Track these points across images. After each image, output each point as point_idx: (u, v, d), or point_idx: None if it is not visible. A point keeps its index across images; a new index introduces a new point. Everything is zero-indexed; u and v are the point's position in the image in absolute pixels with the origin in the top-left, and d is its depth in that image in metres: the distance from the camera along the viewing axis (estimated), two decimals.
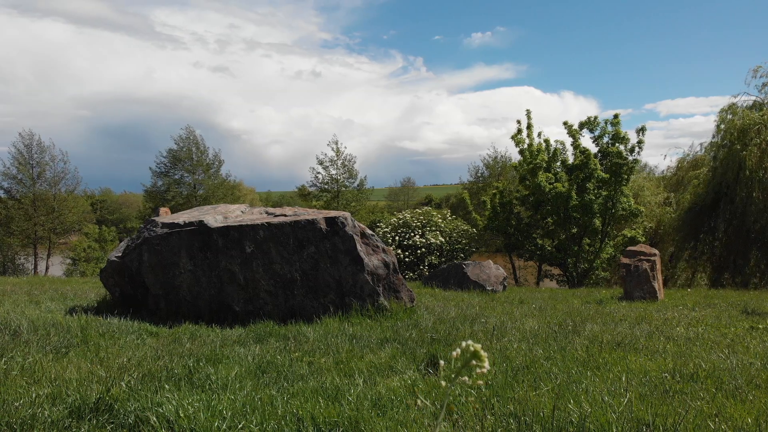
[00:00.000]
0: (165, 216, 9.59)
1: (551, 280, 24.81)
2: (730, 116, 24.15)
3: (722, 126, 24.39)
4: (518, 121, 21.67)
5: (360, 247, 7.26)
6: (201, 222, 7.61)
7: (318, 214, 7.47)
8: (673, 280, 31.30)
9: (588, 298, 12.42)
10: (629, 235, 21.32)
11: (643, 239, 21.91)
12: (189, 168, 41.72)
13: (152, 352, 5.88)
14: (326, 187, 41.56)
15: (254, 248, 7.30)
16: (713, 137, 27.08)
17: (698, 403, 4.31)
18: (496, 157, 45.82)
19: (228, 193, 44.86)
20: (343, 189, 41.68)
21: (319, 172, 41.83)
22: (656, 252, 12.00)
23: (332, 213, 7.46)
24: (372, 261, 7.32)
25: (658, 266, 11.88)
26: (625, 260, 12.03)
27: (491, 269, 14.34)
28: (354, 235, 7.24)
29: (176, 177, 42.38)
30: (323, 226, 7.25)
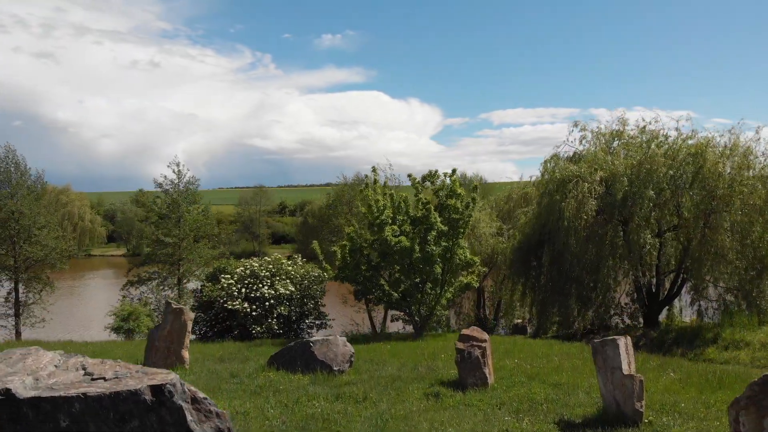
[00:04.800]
0: None
1: (398, 321, 25.72)
2: (552, 166, 26.73)
3: (546, 176, 26.92)
4: (366, 176, 22.25)
5: (190, 417, 6.91)
6: (8, 391, 6.74)
7: (142, 378, 6.98)
8: (510, 311, 34.01)
9: (431, 380, 12.95)
10: (465, 281, 22.73)
11: (477, 284, 23.58)
12: (7, 193, 37.07)
13: None
14: (166, 213, 38.95)
15: (70, 422, 6.64)
16: (540, 177, 29.77)
17: None
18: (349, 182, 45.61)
19: (51, 209, 40.74)
20: (186, 215, 39.45)
21: (158, 197, 39.36)
22: (486, 338, 12.86)
23: (158, 376, 7.01)
24: (204, 430, 7.01)
25: (489, 351, 12.74)
26: (459, 345, 12.73)
27: (339, 347, 14.44)
28: (183, 404, 6.87)
29: None
30: (148, 396, 6.79)
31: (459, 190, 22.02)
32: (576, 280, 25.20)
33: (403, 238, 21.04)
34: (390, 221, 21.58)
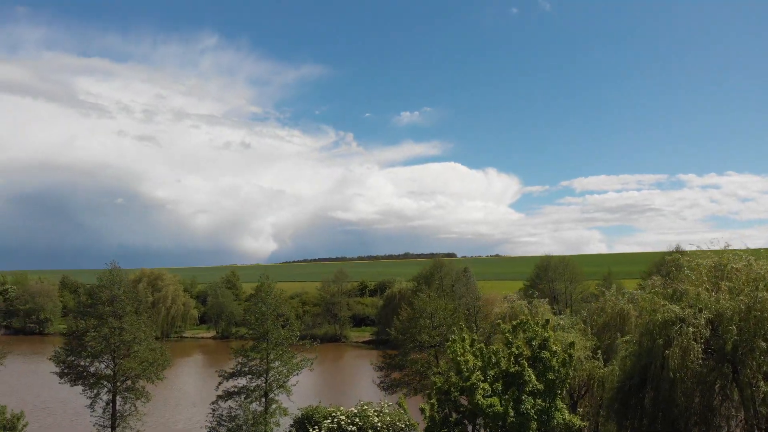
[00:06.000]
0: None
1: None
2: (652, 306, 25.18)
3: (645, 316, 25.43)
4: (454, 330, 21.83)
5: None
6: None
7: None
8: None
9: None
10: None
11: None
12: (110, 310, 39.17)
13: None
14: (256, 332, 39.45)
15: None
16: (639, 314, 28.19)
17: None
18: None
19: (150, 323, 42.41)
20: (273, 330, 39.70)
21: (247, 318, 39.99)
22: None
23: None
24: None
25: None
26: None
27: None
28: None
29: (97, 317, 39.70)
30: None
31: (554, 347, 21.10)
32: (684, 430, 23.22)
33: (495, 399, 20.24)
34: (480, 380, 20.85)
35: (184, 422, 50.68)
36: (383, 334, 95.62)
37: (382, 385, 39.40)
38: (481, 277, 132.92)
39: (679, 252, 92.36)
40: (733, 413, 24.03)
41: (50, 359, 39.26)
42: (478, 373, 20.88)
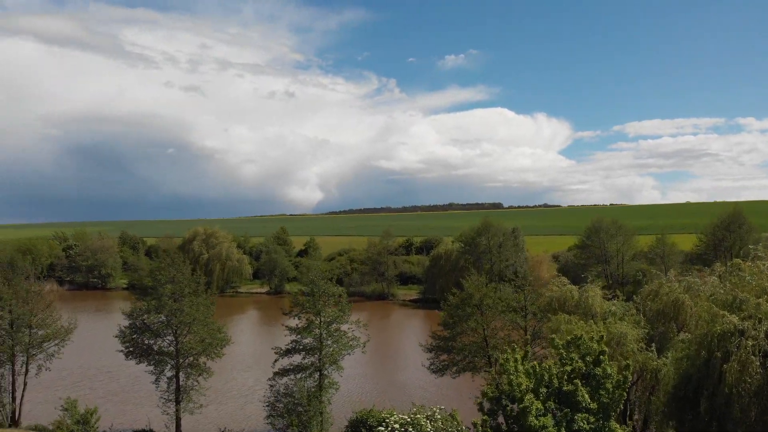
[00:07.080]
0: None
1: None
2: (710, 316, 24.52)
3: (703, 327, 24.85)
4: (505, 350, 21.97)
5: None
6: None
7: None
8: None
9: None
10: None
11: None
12: (170, 290, 40.76)
13: None
14: (309, 308, 40.50)
15: None
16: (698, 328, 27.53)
17: None
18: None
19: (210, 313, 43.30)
20: (327, 315, 40.60)
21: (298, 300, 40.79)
22: None
23: None
24: None
25: None
26: None
27: None
28: None
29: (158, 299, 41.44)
30: None
31: (609, 369, 20.97)
32: None
33: (548, 420, 20.40)
34: (532, 401, 20.98)
35: (238, 388, 52.64)
36: (430, 293, 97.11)
37: (431, 367, 40.29)
38: (529, 231, 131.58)
39: (737, 203, 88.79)
40: None
41: (116, 337, 41.48)
42: (531, 395, 21.00)
